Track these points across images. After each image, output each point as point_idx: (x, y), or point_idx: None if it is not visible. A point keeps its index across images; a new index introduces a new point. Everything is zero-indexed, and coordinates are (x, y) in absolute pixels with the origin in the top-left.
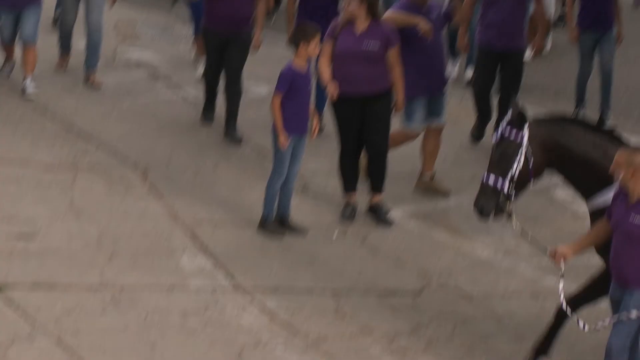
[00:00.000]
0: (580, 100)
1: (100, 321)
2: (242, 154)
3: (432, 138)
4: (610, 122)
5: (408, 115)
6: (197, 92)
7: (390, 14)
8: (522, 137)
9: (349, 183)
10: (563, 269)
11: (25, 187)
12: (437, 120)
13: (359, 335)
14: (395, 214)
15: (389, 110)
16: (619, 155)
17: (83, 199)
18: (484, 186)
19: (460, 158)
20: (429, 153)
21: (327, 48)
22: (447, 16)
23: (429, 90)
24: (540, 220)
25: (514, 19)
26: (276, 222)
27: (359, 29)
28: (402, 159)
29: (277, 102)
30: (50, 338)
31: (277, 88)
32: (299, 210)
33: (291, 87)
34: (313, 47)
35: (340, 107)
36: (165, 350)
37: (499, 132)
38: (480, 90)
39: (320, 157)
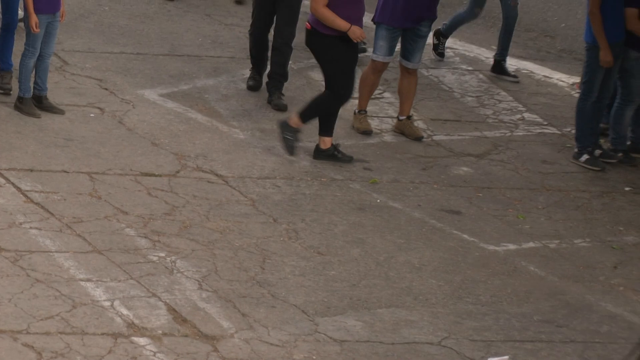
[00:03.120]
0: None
1: None
2: None
3: (405, 79)
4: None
5: (378, 46)
6: None
7: None
8: None
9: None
10: None
11: None
12: (407, 63)
13: (113, 217)
14: (150, 95)
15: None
16: None
17: None
18: None
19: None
20: (402, 95)
21: None
22: None
23: (402, 21)
24: (296, 101)
25: None
26: (32, 102)
27: None
28: (160, 40)
29: None
30: None
31: None
32: (56, 90)
33: None
34: None
35: None
36: None
37: None
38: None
39: (77, 37)
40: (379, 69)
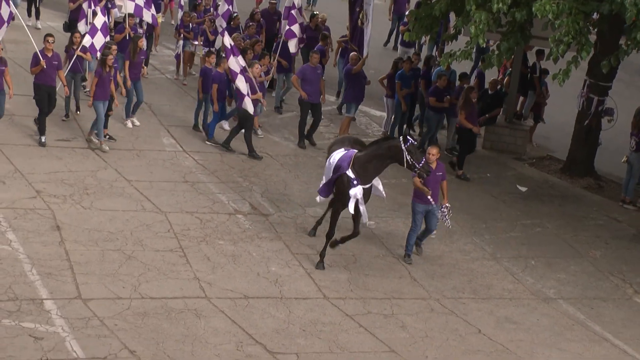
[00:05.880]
0: None
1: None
2: None
3: (346, 122)
4: None
5: (349, 110)
6: None
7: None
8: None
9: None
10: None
11: None
12: (348, 115)
13: (230, 172)
14: (276, 137)
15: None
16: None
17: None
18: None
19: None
20: (345, 128)
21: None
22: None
23: (358, 101)
24: (317, 138)
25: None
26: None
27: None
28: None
29: None
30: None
31: None
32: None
33: None
34: None
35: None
36: None
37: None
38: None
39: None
40: (349, 120)
